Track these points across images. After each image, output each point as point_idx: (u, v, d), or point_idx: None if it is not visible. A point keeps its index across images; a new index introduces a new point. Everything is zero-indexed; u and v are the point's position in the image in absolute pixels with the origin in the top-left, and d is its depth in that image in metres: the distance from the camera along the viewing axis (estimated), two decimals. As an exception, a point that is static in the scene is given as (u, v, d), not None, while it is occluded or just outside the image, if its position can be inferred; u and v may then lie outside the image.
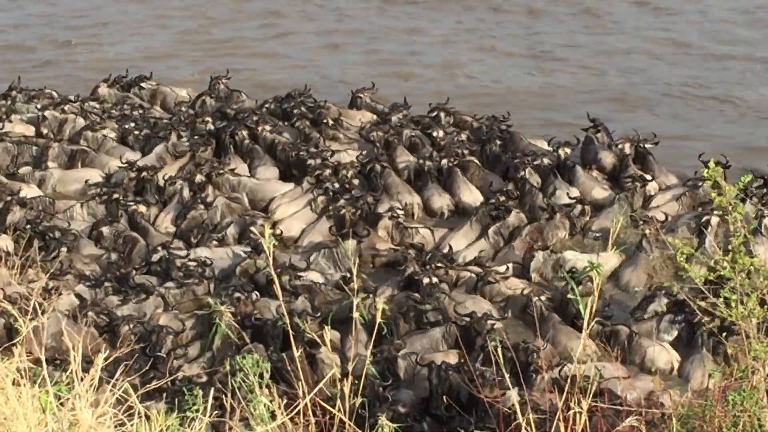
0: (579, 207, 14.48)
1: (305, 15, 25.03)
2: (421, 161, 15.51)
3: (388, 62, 21.74)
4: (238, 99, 18.16)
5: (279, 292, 9.05)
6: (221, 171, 15.35)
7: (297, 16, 24.97)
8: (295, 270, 12.78)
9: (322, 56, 22.26)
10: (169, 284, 12.79)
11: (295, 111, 17.04)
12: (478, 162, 15.75)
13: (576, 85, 20.32)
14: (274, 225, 14.23)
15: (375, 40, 23.15)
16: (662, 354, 11.71)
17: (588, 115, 16.43)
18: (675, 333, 12.10)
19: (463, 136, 16.44)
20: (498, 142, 16.04)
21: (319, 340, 7.27)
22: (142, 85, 18.72)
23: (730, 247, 7.96)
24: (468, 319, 11.68)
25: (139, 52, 22.51)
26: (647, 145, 15.67)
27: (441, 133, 16.40)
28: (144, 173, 15.29)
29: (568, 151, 15.63)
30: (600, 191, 15.09)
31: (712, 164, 8.08)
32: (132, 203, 14.58)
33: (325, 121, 16.85)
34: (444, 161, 15.52)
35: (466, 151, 15.81)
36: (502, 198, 14.43)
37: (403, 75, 20.87)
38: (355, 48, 22.71)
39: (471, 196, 15.16)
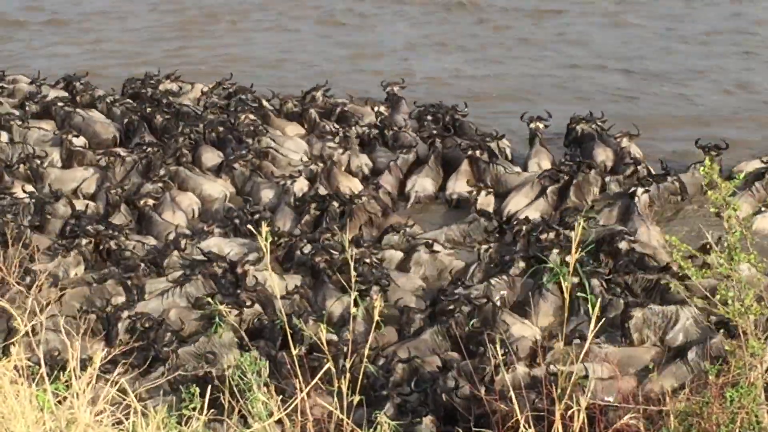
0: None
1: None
2: (365, 129, 16.69)
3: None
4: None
5: (277, 292, 9.07)
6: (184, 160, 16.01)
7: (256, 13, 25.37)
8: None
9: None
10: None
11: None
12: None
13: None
14: None
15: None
16: (524, 330, 11.57)
17: (574, 117, 16.55)
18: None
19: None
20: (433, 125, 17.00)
21: (317, 339, 7.25)
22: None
23: (726, 245, 7.97)
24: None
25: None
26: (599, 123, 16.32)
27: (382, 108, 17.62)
28: (149, 149, 15.84)
29: (541, 125, 16.31)
30: (514, 178, 15.52)
31: (707, 162, 8.09)
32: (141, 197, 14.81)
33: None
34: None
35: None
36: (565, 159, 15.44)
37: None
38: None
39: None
